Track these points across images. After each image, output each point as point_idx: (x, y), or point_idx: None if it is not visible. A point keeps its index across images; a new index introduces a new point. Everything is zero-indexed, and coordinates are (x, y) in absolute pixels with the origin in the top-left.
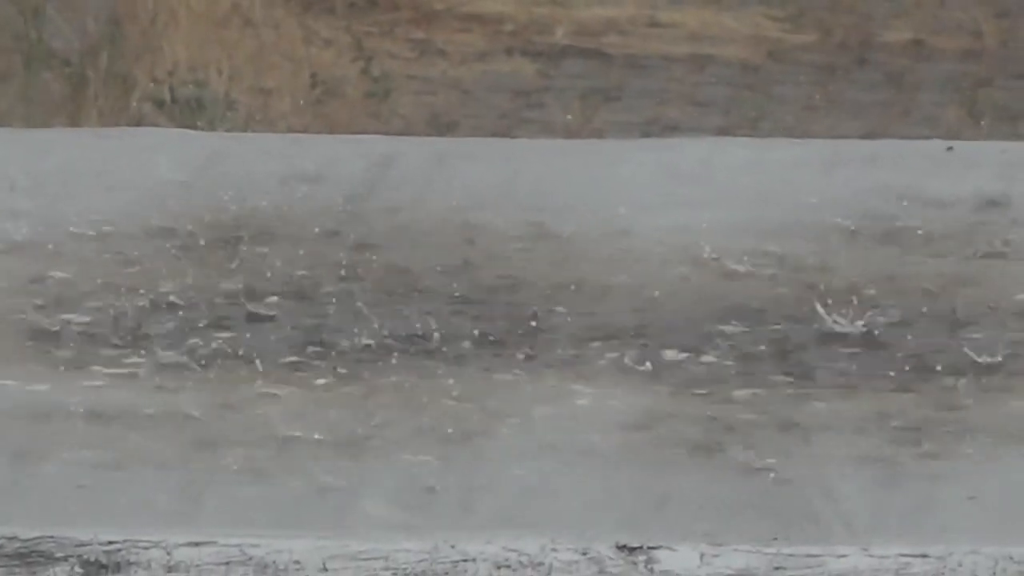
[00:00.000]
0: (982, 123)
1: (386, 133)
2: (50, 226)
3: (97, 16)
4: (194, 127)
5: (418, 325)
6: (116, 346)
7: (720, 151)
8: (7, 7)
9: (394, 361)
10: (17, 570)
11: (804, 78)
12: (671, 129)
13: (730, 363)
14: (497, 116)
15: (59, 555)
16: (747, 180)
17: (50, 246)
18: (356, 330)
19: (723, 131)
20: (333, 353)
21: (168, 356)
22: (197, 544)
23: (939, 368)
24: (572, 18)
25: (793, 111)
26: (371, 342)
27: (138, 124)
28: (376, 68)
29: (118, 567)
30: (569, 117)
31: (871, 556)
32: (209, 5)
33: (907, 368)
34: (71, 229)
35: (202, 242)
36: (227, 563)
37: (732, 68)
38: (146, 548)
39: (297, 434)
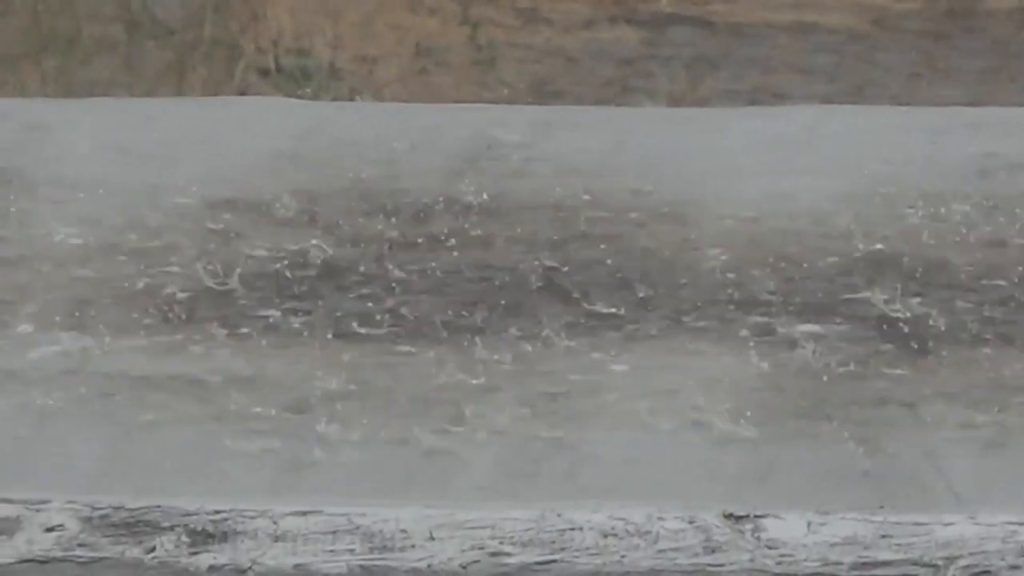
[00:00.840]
0: None
1: (491, 102)
2: (153, 194)
3: None
4: (299, 96)
5: (521, 295)
6: (222, 312)
7: (824, 119)
8: None
9: (495, 330)
10: (124, 539)
11: (909, 46)
12: (776, 97)
13: (835, 332)
14: (602, 84)
15: (165, 524)
16: (851, 148)
17: (153, 213)
18: (460, 299)
19: (828, 99)
20: (434, 322)
21: (275, 321)
22: (304, 513)
23: None
24: None
25: (898, 79)
26: (474, 313)
27: (242, 94)
28: (481, 36)
29: (224, 536)
30: (674, 85)
31: (978, 524)
32: None
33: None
34: (174, 198)
35: (304, 209)
36: (334, 532)
37: (837, 36)
38: (252, 517)
39: (403, 401)
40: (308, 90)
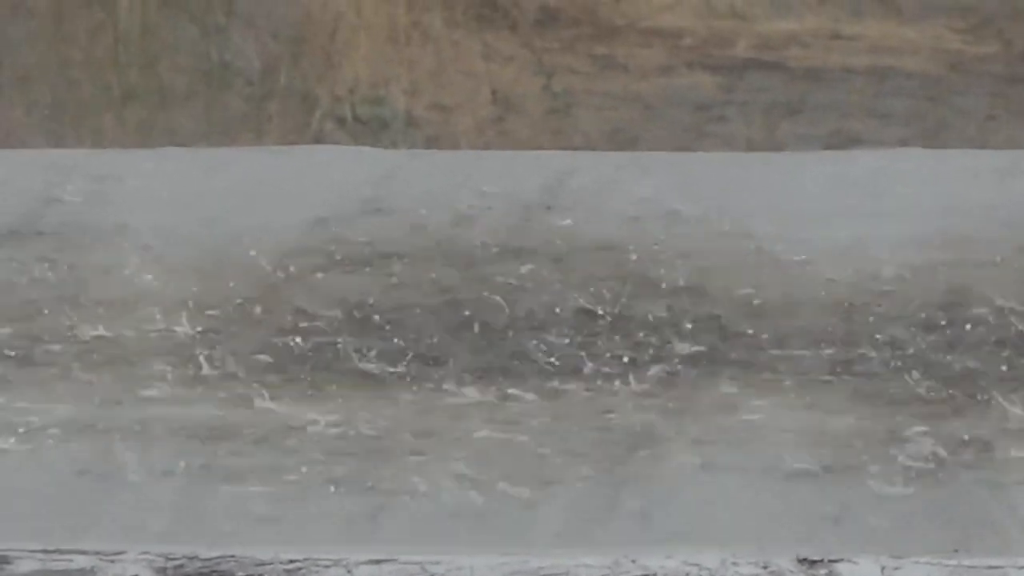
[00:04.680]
0: None
1: (568, 149)
2: (227, 244)
3: (277, 35)
4: (376, 145)
5: (598, 339)
6: (305, 365)
7: (896, 162)
8: (188, 26)
9: (561, 372)
10: None
11: (985, 89)
12: (853, 141)
13: (906, 376)
14: (679, 130)
15: (240, 574)
16: (923, 191)
17: (227, 263)
18: (537, 345)
19: (904, 143)
20: (515, 364)
21: (369, 368)
22: (378, 562)
23: None
24: (753, 32)
25: (975, 122)
26: (552, 358)
27: (319, 143)
28: (557, 84)
29: None
30: (751, 130)
31: None
32: (388, 22)
33: None
34: (247, 248)
35: (381, 258)
36: None
37: (913, 80)
38: (327, 566)
39: (483, 439)
40: (385, 139)
